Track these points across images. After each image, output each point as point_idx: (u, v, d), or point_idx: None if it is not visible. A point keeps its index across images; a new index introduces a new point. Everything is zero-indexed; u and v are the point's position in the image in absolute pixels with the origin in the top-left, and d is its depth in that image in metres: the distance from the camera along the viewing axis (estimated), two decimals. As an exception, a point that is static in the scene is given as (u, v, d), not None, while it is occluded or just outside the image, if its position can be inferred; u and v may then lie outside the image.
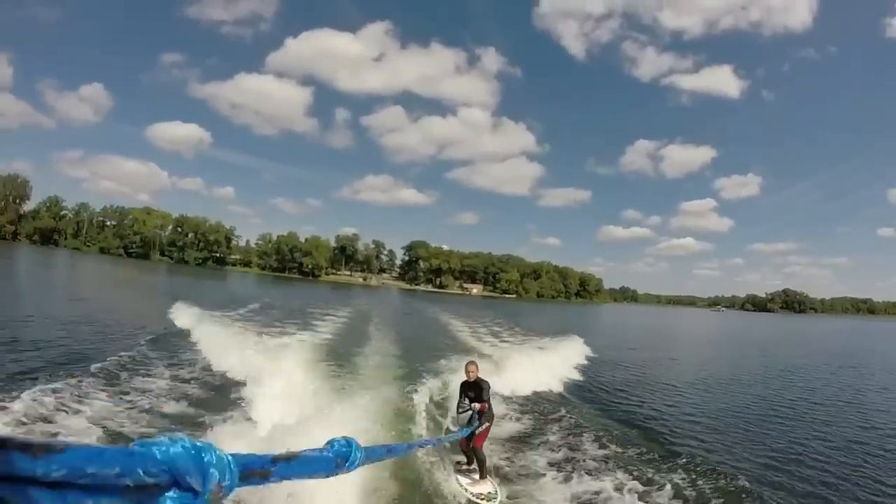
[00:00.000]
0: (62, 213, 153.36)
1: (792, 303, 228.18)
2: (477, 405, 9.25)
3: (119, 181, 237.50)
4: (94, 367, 14.65)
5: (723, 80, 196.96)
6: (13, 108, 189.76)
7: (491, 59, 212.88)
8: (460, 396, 9.65)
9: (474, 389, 9.49)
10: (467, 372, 9.72)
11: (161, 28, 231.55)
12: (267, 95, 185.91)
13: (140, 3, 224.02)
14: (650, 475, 10.32)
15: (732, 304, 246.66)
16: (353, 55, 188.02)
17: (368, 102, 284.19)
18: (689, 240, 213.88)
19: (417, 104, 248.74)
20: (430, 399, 14.12)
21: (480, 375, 9.81)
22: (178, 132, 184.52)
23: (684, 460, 11.39)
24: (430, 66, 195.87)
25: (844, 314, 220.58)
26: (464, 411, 9.40)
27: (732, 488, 10.00)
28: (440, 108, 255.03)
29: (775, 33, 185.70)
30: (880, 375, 29.79)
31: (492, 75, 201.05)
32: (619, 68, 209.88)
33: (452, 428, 11.30)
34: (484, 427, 9.39)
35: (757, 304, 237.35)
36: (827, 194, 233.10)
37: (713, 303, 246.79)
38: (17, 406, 10.26)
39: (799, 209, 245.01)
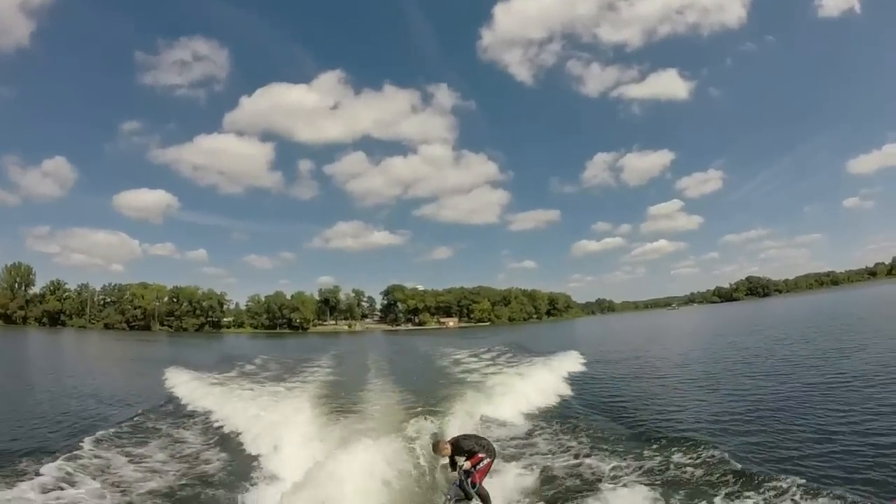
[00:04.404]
0: (65, 295, 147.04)
1: (756, 288, 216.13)
2: (467, 463, 8.23)
3: (90, 253, 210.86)
4: (110, 432, 13.88)
5: (669, 85, 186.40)
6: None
7: (444, 95, 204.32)
8: (459, 474, 8.39)
9: (461, 454, 8.40)
10: (440, 451, 8.64)
11: (118, 97, 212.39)
12: (229, 154, 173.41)
13: (95, 74, 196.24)
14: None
15: (703, 299, 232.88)
16: (309, 106, 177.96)
17: (330, 151, 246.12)
18: (661, 242, 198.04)
19: (378, 147, 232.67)
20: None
21: (457, 433, 9.27)
22: (144, 199, 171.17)
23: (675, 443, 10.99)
24: (385, 109, 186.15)
25: (808, 290, 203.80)
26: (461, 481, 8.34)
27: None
28: (400, 148, 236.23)
29: (713, 32, 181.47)
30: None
31: (447, 111, 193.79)
32: (568, 87, 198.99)
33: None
34: (485, 463, 8.33)
35: (723, 295, 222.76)
36: (789, 177, 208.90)
37: (689, 300, 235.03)
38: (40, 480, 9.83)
39: (764, 195, 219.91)
